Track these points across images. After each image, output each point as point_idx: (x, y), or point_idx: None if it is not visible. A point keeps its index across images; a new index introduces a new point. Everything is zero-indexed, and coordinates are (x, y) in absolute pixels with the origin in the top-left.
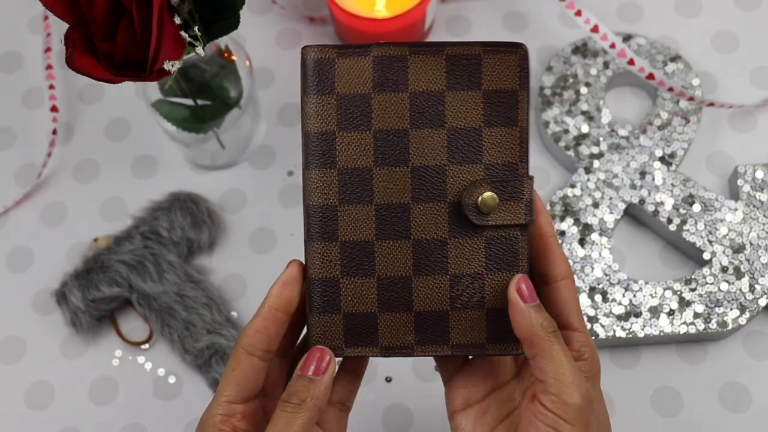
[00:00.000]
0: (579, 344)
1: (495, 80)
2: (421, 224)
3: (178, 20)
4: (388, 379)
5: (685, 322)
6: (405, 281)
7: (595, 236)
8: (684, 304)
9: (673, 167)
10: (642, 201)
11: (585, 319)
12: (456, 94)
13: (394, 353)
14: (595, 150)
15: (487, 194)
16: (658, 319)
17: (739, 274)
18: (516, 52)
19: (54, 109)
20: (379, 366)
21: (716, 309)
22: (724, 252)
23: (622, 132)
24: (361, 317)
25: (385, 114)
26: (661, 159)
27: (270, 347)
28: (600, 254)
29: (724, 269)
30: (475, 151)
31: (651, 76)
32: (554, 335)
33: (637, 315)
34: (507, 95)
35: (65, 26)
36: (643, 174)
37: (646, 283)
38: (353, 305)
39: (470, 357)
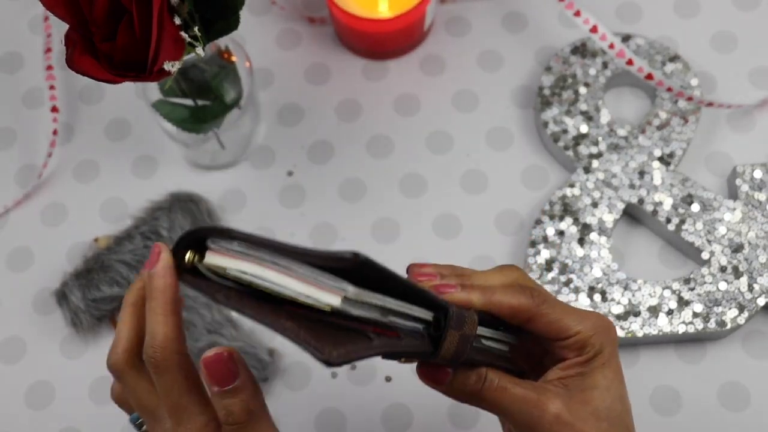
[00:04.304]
0: (572, 343)
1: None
2: None
3: (178, 20)
4: (388, 379)
5: (683, 322)
6: None
7: (594, 236)
8: (683, 303)
9: (671, 167)
10: (641, 201)
11: None
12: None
13: None
14: (594, 150)
15: None
16: (657, 318)
17: (737, 273)
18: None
19: (54, 109)
20: (378, 366)
21: (715, 308)
22: (722, 251)
23: (621, 132)
24: None
25: None
26: (660, 159)
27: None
28: (599, 254)
29: (722, 269)
30: None
31: (650, 76)
32: None
33: (636, 314)
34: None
35: (65, 27)
36: (642, 174)
37: (645, 282)
38: None
39: None
